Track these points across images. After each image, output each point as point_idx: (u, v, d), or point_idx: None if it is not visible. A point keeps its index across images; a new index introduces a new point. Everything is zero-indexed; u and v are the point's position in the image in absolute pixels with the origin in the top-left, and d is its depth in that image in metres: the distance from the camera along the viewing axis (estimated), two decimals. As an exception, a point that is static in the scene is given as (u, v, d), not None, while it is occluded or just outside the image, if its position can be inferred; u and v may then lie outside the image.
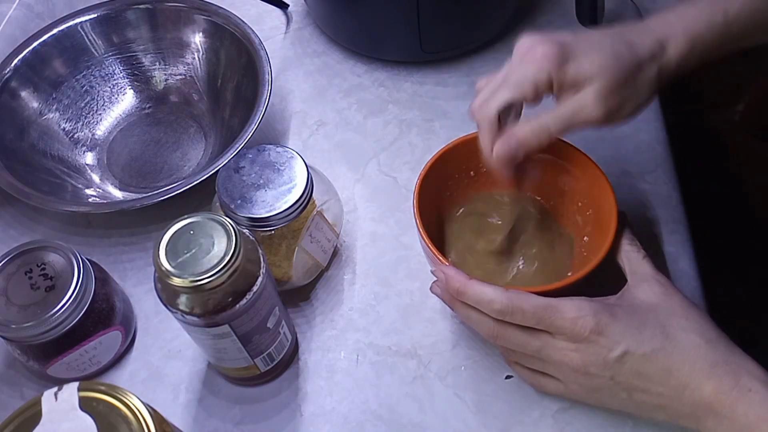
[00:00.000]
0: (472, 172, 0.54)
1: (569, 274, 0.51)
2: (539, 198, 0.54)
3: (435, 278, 0.46)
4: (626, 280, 0.45)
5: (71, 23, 0.66)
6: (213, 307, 0.41)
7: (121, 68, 0.68)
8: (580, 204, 0.51)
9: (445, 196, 0.54)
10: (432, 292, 0.47)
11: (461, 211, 0.55)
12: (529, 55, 0.43)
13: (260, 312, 0.44)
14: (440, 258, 0.45)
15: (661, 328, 0.41)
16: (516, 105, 0.45)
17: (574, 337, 0.40)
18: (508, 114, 0.45)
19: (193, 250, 0.39)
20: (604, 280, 0.45)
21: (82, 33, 0.67)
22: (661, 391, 0.40)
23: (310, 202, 0.50)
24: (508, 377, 0.50)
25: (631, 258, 0.45)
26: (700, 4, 0.44)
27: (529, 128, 0.44)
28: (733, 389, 0.38)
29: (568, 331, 0.40)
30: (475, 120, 0.45)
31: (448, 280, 0.44)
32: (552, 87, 0.43)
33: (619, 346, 0.40)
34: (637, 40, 0.43)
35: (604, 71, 0.42)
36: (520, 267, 0.52)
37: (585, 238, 0.51)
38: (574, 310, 0.41)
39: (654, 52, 0.43)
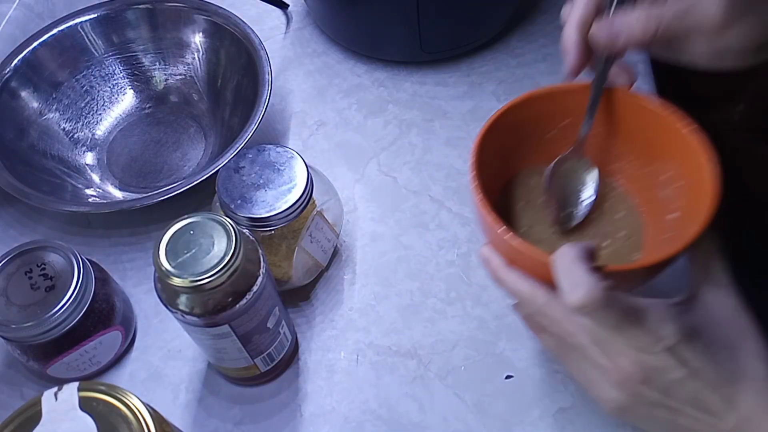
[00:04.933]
0: (551, 132, 0.46)
1: (636, 256, 0.44)
2: (616, 178, 0.47)
3: (432, 281, 0.45)
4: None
5: (71, 23, 0.66)
6: (213, 307, 0.41)
7: (121, 68, 0.68)
8: (666, 175, 0.44)
9: (510, 154, 0.46)
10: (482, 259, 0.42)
11: (523, 180, 0.48)
12: None
13: (260, 312, 0.44)
14: (495, 221, 0.39)
15: (731, 352, 0.36)
16: None
17: (642, 347, 0.35)
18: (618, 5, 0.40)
19: (193, 250, 0.40)
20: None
21: (82, 33, 0.67)
22: (714, 423, 0.35)
23: (310, 202, 0.50)
24: (508, 377, 0.50)
25: (707, 256, 0.38)
26: None
27: (635, 16, 0.39)
28: None
29: (641, 341, 0.35)
30: None
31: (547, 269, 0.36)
32: None
33: (686, 368, 0.35)
34: None
35: None
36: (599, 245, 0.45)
37: (673, 215, 0.43)
38: (656, 318, 0.35)
39: None
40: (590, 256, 0.35)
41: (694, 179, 0.41)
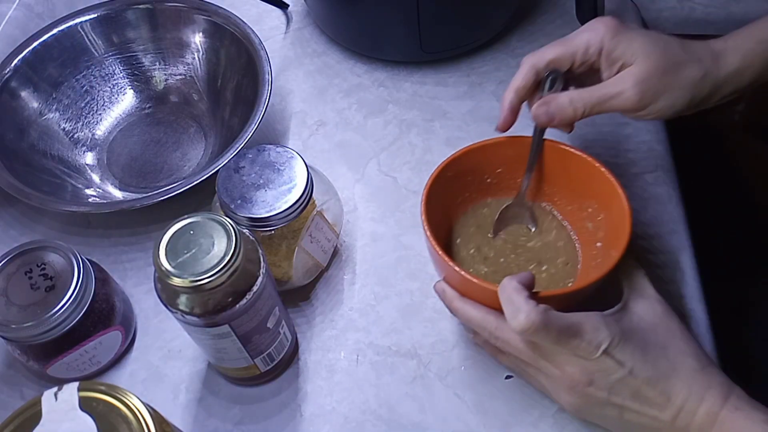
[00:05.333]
0: (488, 179, 0.53)
1: (571, 281, 0.50)
2: (548, 204, 0.54)
3: (432, 281, 0.46)
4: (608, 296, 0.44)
5: (71, 23, 0.66)
6: (213, 307, 0.41)
7: (121, 68, 0.68)
8: (590, 210, 0.50)
9: (455, 199, 0.53)
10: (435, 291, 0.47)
11: (471, 213, 0.54)
12: (592, 25, 0.47)
13: (260, 312, 0.44)
14: (447, 259, 0.44)
15: (662, 351, 0.41)
16: (560, 74, 0.48)
17: (583, 354, 0.40)
18: (551, 86, 0.48)
19: (193, 250, 0.40)
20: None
21: (82, 33, 0.67)
22: (655, 415, 0.40)
23: (310, 202, 0.50)
24: (508, 377, 0.50)
25: (632, 273, 0.45)
26: (757, 25, 0.47)
27: (567, 97, 0.46)
28: (723, 409, 0.39)
29: (581, 349, 0.40)
30: (522, 66, 0.48)
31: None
32: (600, 55, 0.46)
33: (624, 368, 0.40)
34: (692, 45, 0.46)
35: (649, 54, 0.45)
36: (531, 269, 0.51)
37: (598, 244, 0.50)
38: (590, 328, 0.40)
39: (704, 56, 0.46)
40: (528, 285, 0.40)
41: (612, 213, 0.48)
